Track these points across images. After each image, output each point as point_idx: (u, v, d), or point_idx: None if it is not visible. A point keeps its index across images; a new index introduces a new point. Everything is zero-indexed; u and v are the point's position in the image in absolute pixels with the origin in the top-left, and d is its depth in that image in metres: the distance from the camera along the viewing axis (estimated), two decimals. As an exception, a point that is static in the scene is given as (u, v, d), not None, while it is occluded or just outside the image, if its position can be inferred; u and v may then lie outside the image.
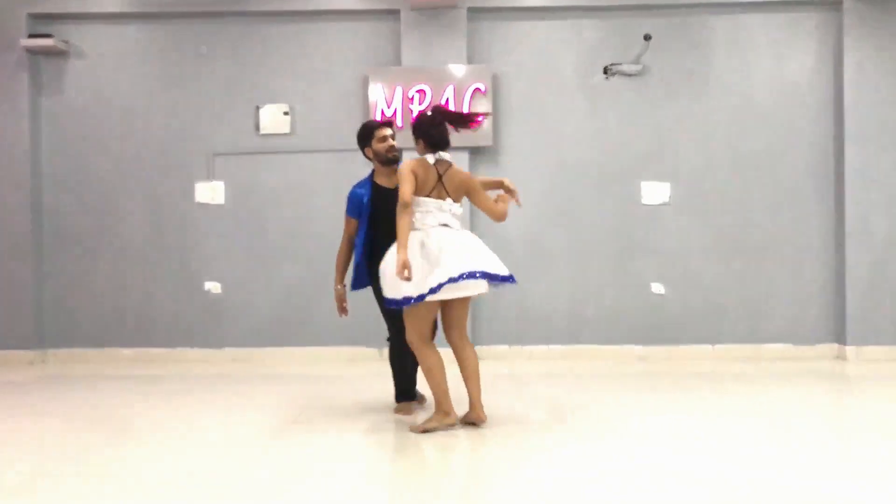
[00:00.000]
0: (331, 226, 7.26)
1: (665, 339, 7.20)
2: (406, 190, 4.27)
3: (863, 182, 7.04)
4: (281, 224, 7.34)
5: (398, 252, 4.18)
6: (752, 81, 7.24)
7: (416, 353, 4.49)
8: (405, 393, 5.01)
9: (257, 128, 7.32)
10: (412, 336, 4.45)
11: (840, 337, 7.10)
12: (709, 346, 7.19)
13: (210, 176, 7.35)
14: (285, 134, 7.32)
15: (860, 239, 7.04)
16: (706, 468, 3.77)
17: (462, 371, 4.56)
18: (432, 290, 4.24)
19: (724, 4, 7.20)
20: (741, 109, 7.23)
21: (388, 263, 4.36)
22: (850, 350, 6.99)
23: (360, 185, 4.96)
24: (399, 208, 4.26)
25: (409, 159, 4.48)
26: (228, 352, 7.33)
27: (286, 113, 7.28)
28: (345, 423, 4.76)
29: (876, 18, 6.99)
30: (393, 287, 4.35)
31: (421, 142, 4.51)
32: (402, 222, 4.22)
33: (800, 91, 7.23)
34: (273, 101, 7.32)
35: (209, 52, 7.36)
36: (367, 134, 4.95)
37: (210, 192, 7.36)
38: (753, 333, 7.18)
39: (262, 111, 7.29)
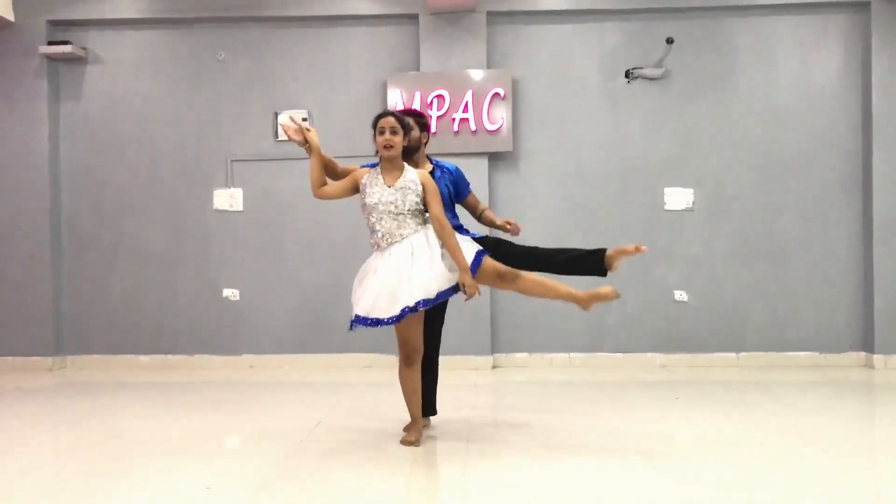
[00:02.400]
0: (347, 233, 7.25)
1: (688, 348, 7.08)
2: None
3: (891, 188, 6.89)
4: (298, 231, 7.30)
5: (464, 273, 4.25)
6: (777, 85, 7.11)
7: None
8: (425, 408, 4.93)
9: (276, 134, 7.28)
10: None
11: (868, 345, 6.95)
12: (733, 355, 7.07)
13: (228, 183, 7.32)
14: (304, 140, 7.27)
15: (888, 245, 6.89)
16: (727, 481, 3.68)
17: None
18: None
19: (748, 7, 7.08)
20: (766, 114, 7.10)
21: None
22: (877, 358, 6.84)
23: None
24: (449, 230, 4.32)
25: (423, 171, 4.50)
26: (246, 358, 7.29)
27: (305, 119, 7.23)
28: (367, 434, 4.70)
29: (905, 20, 6.85)
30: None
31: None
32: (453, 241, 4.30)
33: (826, 95, 7.09)
34: (291, 107, 7.28)
35: (227, 58, 7.33)
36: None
37: (228, 198, 7.33)
38: (779, 341, 7.05)
39: (280, 117, 7.24)
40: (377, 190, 4.36)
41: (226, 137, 7.34)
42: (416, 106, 7.00)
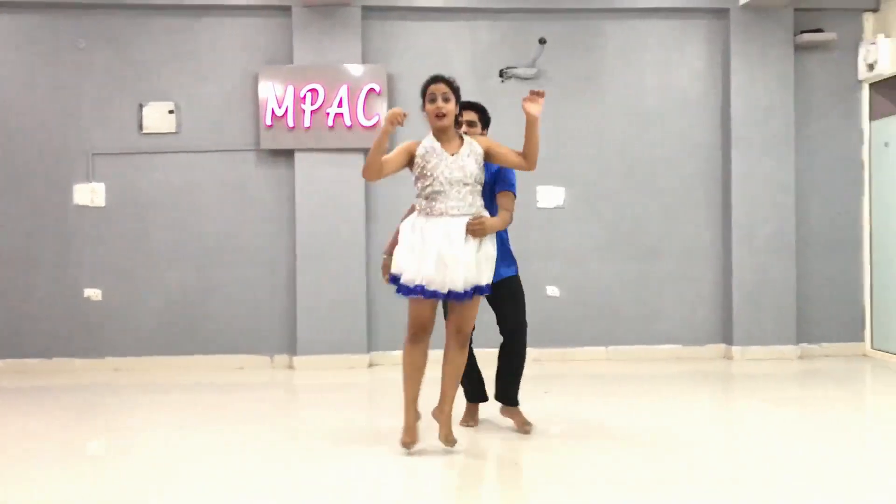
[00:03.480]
0: (218, 230, 7.03)
1: (560, 342, 7.22)
2: None
3: (747, 187, 7.23)
4: (166, 227, 7.02)
5: None
6: (644, 87, 7.35)
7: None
8: (471, 394, 4.85)
9: (140, 126, 6.97)
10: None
11: (727, 338, 7.28)
12: (602, 348, 7.26)
13: (90, 177, 6.96)
14: (170, 133, 6.99)
15: (745, 242, 7.23)
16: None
17: None
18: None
19: (617, 10, 7.27)
20: (634, 115, 7.32)
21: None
22: (735, 350, 7.17)
23: None
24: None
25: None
26: (110, 361, 6.95)
27: (171, 111, 6.96)
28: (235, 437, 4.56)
29: (760, 27, 7.19)
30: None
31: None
32: None
33: (689, 98, 7.37)
34: (158, 98, 6.99)
35: (88, 46, 6.96)
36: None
37: (90, 193, 6.96)
38: (646, 335, 7.29)
39: (145, 109, 6.94)
40: (437, 160, 4.05)
41: (87, 130, 6.98)
42: (289, 100, 6.85)
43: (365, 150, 7.00)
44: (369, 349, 7.08)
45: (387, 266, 4.38)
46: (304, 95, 6.88)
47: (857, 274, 7.40)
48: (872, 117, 7.31)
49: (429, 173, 4.06)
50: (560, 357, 7.20)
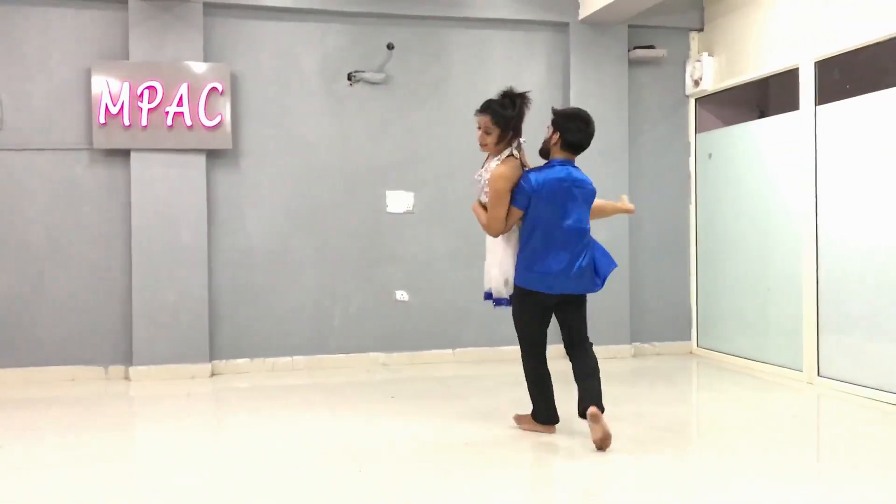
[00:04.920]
0: (46, 234, 6.58)
1: (408, 346, 7.27)
2: None
3: (586, 194, 7.54)
4: (-15, 231, 6.51)
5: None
6: (489, 94, 7.36)
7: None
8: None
9: (-44, 121, 6.43)
10: None
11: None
12: (449, 351, 7.37)
13: None
14: (-9, 129, 6.50)
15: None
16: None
17: None
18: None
19: (465, 19, 7.40)
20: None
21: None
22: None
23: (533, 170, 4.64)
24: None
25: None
26: (-80, 377, 6.36)
27: (-8, 105, 6.46)
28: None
29: (597, 42, 7.53)
30: None
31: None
32: None
33: (532, 106, 7.56)
34: (-25, 91, 6.47)
35: None
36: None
37: None
38: (492, 337, 7.44)
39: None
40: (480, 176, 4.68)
41: None
42: (125, 97, 6.51)
43: (208, 152, 6.79)
44: (212, 358, 6.84)
45: None
46: (142, 93, 6.56)
47: (684, 278, 7.90)
48: (698, 130, 7.84)
49: None
50: (409, 360, 7.25)
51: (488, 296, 4.78)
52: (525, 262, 4.56)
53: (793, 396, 5.97)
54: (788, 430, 5.06)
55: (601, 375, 4.54)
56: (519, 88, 4.69)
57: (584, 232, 4.56)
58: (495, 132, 4.59)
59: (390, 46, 7.04)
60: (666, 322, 7.85)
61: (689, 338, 7.90)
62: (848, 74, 6.18)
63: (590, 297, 7.42)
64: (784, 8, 6.64)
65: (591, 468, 4.14)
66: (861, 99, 5.88)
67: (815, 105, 6.27)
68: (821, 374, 6.21)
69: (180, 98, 6.61)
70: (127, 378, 6.63)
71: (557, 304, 4.61)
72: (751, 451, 4.46)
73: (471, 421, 5.09)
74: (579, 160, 4.81)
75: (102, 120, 6.51)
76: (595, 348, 4.72)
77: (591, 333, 4.75)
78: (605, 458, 4.25)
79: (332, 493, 3.76)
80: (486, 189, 4.59)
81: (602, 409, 4.34)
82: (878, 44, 5.75)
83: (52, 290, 6.62)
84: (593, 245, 4.60)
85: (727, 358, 7.35)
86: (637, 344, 7.70)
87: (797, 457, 4.43)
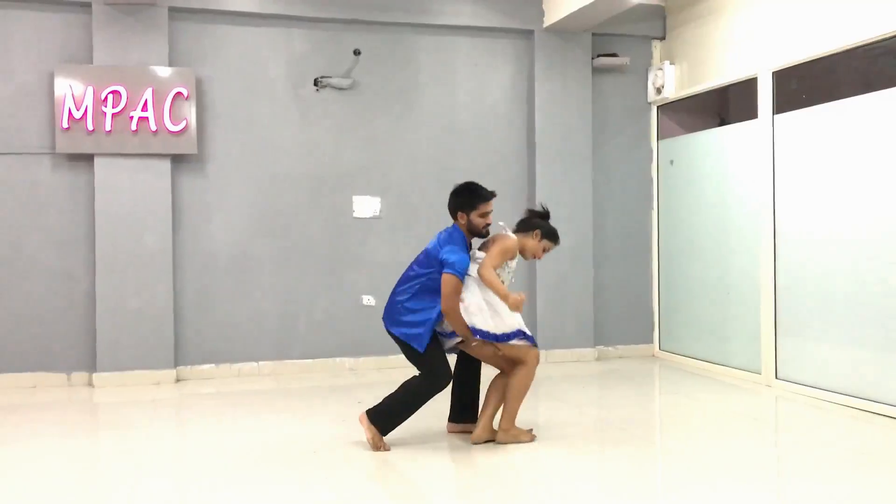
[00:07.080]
0: (8, 238, 6.50)
1: (375, 350, 7.28)
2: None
3: (551, 201, 7.61)
4: (-56, 236, 6.41)
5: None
6: (456, 101, 7.58)
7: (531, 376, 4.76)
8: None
9: (-87, 124, 6.33)
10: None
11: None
12: (416, 356, 7.39)
13: None
14: (-50, 133, 6.41)
15: (548, 252, 7.61)
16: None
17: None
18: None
19: (431, 26, 7.46)
20: (446, 127, 7.54)
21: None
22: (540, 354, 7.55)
23: (460, 247, 4.84)
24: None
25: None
26: None
27: (-49, 109, 6.37)
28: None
29: (562, 49, 7.63)
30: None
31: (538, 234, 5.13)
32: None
33: (499, 112, 7.69)
34: (-66, 94, 6.38)
35: None
36: (472, 201, 4.92)
37: None
38: (458, 341, 7.48)
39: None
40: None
41: None
42: (89, 101, 6.46)
43: (173, 157, 6.76)
44: (176, 364, 6.81)
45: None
46: (106, 97, 6.51)
47: (647, 282, 8.03)
48: (660, 137, 7.98)
49: None
50: (376, 365, 7.27)
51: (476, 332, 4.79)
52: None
53: (751, 399, 6.11)
54: (746, 431, 5.18)
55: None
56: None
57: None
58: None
59: (357, 52, 7.07)
60: (629, 325, 7.97)
61: (651, 341, 8.03)
62: (805, 84, 6.35)
63: (555, 300, 7.61)
64: (743, 19, 6.79)
65: (552, 468, 4.20)
66: (817, 108, 6.04)
67: (773, 114, 6.43)
68: (779, 376, 6.37)
69: (145, 103, 6.58)
70: (91, 385, 6.57)
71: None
72: (709, 452, 4.57)
73: (441, 422, 5.14)
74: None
75: (66, 124, 6.45)
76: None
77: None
78: (564, 460, 4.33)
79: (303, 496, 3.78)
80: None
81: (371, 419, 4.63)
82: (833, 55, 5.92)
83: (13, 295, 6.54)
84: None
85: (688, 361, 7.48)
86: (601, 347, 7.81)
87: (755, 458, 4.55)
